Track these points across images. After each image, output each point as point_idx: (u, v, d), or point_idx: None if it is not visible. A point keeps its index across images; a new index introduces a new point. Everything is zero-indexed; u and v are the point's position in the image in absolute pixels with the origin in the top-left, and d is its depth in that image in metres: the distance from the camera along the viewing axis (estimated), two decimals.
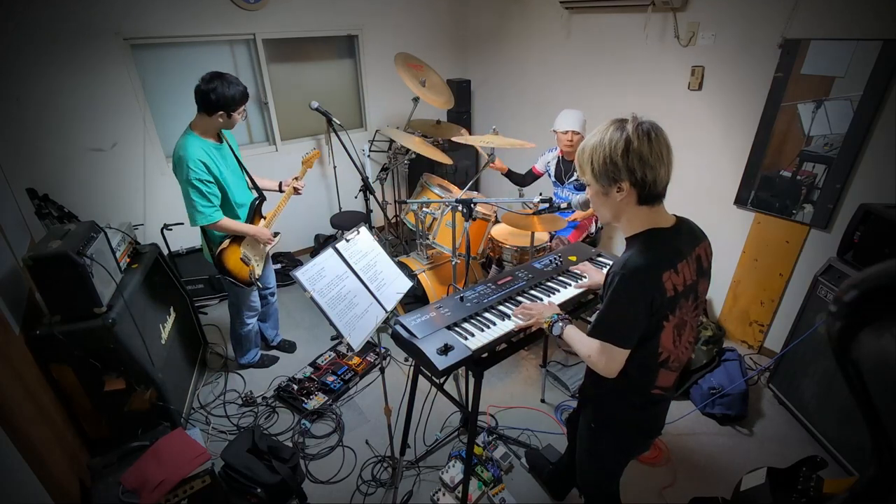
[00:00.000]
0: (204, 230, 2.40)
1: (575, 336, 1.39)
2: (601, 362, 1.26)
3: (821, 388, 2.30)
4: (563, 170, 3.05)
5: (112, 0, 2.98)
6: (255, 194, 2.56)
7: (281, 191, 2.65)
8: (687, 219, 1.30)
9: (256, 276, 2.58)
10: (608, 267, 1.99)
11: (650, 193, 1.16)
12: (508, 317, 1.66)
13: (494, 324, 1.64)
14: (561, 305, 1.77)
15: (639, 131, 1.11)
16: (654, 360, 1.26)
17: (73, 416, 2.12)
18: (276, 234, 2.67)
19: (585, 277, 1.89)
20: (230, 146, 2.43)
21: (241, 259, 2.49)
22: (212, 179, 2.23)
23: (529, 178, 3.23)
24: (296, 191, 2.63)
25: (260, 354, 2.99)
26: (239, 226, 2.40)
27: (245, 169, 2.52)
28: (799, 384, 2.44)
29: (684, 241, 1.24)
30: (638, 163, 1.11)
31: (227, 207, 2.38)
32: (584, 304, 1.90)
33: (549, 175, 3.16)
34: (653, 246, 1.19)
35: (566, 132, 2.85)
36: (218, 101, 2.14)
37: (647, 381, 1.31)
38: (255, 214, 2.53)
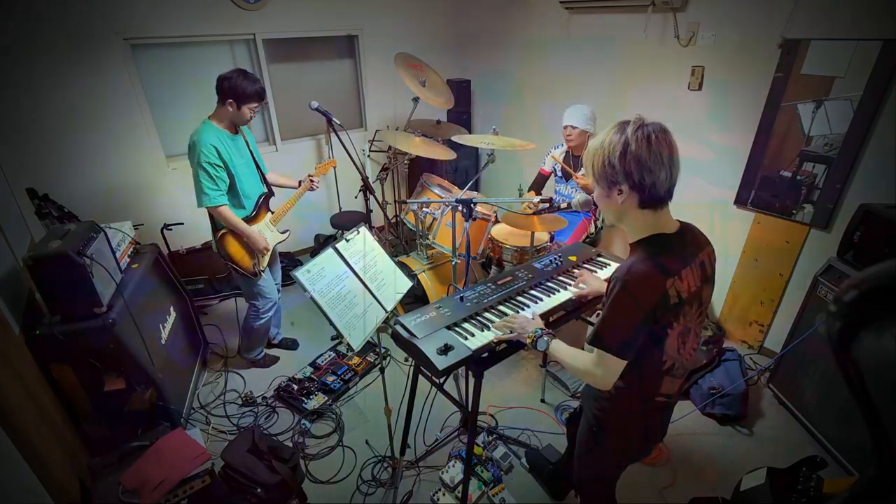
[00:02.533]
0: (212, 215, 2.45)
1: (564, 350, 1.37)
2: (597, 374, 1.23)
3: (821, 388, 2.30)
4: (572, 165, 3.02)
5: (112, 0, 2.98)
6: (265, 188, 2.61)
7: (296, 187, 2.74)
8: (691, 224, 1.28)
9: (262, 268, 2.59)
10: (605, 269, 2.00)
11: (651, 197, 1.15)
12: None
13: (494, 324, 1.64)
14: (560, 306, 1.77)
15: (638, 134, 1.10)
16: (659, 367, 1.25)
17: (73, 416, 2.11)
18: (285, 232, 2.73)
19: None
20: (247, 141, 2.51)
21: (244, 247, 2.52)
22: (221, 164, 2.30)
23: (542, 181, 3.24)
24: (311, 183, 2.69)
25: (263, 353, 2.99)
26: (238, 222, 2.42)
27: (259, 165, 2.58)
28: (799, 384, 2.44)
29: (688, 247, 1.23)
30: (635, 166, 1.10)
31: (234, 195, 2.45)
32: (583, 304, 1.89)
33: (556, 172, 3.14)
34: (657, 252, 1.18)
35: (565, 126, 2.86)
36: (229, 88, 2.25)
37: (651, 388, 1.30)
38: (261, 207, 2.58)
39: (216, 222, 2.47)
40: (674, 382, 1.32)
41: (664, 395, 1.32)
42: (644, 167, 1.10)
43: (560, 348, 1.38)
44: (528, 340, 1.46)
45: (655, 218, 1.20)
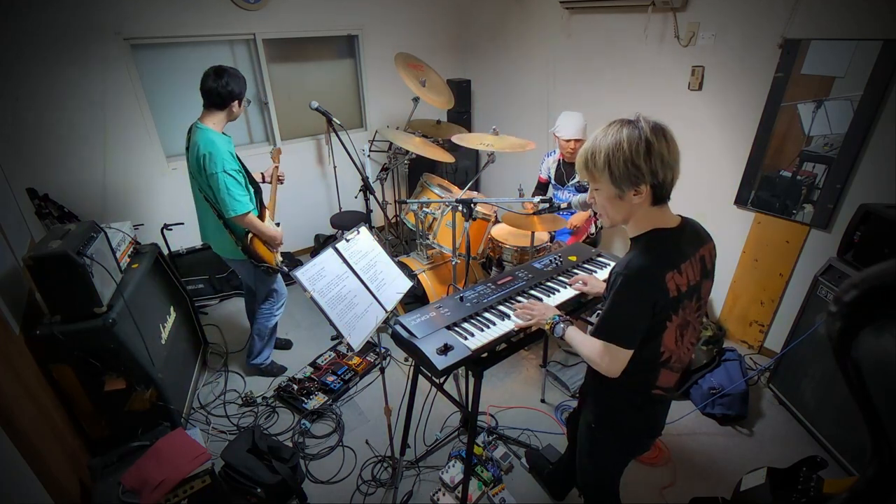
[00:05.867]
0: (228, 226, 2.39)
1: (577, 337, 1.38)
2: (604, 363, 1.25)
3: (821, 388, 2.30)
4: (565, 173, 3.06)
5: (112, 0, 2.98)
6: (253, 187, 2.56)
7: (266, 181, 2.73)
8: (692, 219, 1.29)
9: (280, 261, 2.63)
10: (605, 269, 2.00)
11: (664, 193, 1.16)
12: (508, 317, 1.66)
13: (494, 324, 1.64)
14: (560, 306, 1.77)
15: (656, 131, 1.09)
16: (656, 359, 1.26)
17: (73, 416, 2.12)
18: (277, 224, 2.69)
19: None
20: None
21: (266, 245, 2.54)
22: (240, 170, 2.28)
23: (543, 188, 3.29)
24: (280, 180, 2.73)
25: (270, 360, 2.95)
26: (261, 226, 2.41)
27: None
28: (799, 384, 2.44)
29: (688, 241, 1.23)
30: (660, 164, 1.10)
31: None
32: (584, 304, 1.89)
33: (550, 178, 3.18)
34: (656, 246, 1.19)
35: (569, 140, 2.87)
36: (232, 91, 2.21)
37: (648, 380, 1.31)
38: (261, 205, 2.56)
39: (233, 229, 2.40)
40: (671, 375, 1.33)
41: (661, 387, 1.33)
42: (667, 165, 1.10)
43: (574, 336, 1.39)
44: (547, 327, 1.48)
45: (659, 213, 1.20)
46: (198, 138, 2.23)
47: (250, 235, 2.42)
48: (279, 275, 2.70)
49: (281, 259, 2.63)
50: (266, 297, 2.72)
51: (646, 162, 1.09)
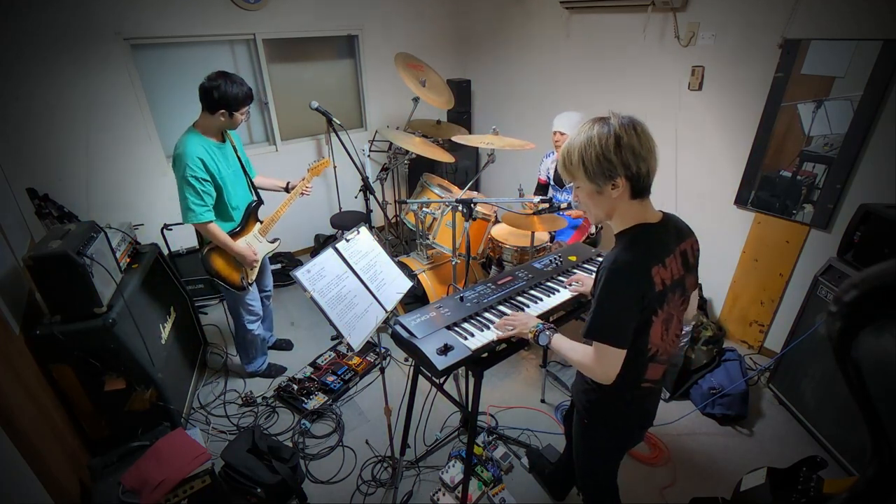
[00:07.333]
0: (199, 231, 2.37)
1: (564, 344, 1.38)
2: (598, 367, 1.24)
3: (821, 388, 2.30)
4: None
5: (112, 0, 2.98)
6: (253, 197, 2.53)
7: (287, 191, 2.64)
8: (674, 215, 1.31)
9: (249, 281, 2.52)
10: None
11: (642, 186, 1.17)
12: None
13: (494, 324, 1.64)
14: (560, 306, 1.78)
15: (626, 126, 1.13)
16: (644, 355, 1.27)
17: (73, 416, 2.12)
18: (274, 241, 2.65)
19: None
20: (234, 147, 2.41)
21: (232, 261, 2.45)
22: (208, 178, 2.21)
23: (543, 189, 3.29)
24: (305, 188, 2.60)
25: (267, 364, 2.94)
26: (225, 240, 2.34)
27: (247, 171, 2.49)
28: (799, 384, 2.44)
29: (671, 236, 1.26)
30: (632, 156, 1.12)
31: (221, 208, 2.35)
32: (584, 304, 1.89)
33: (549, 179, 3.18)
34: (641, 241, 1.21)
35: (554, 132, 2.90)
36: (220, 98, 2.14)
37: (636, 375, 1.32)
38: (249, 218, 2.49)
39: (202, 236, 2.38)
40: (658, 368, 1.34)
41: (649, 380, 1.35)
42: (639, 157, 1.13)
43: (561, 343, 1.39)
44: (531, 336, 1.47)
45: (642, 208, 1.22)
46: (181, 136, 2.21)
47: (209, 248, 2.37)
48: (253, 292, 2.60)
49: (251, 281, 2.51)
50: (235, 312, 2.63)
51: (616, 155, 1.12)
